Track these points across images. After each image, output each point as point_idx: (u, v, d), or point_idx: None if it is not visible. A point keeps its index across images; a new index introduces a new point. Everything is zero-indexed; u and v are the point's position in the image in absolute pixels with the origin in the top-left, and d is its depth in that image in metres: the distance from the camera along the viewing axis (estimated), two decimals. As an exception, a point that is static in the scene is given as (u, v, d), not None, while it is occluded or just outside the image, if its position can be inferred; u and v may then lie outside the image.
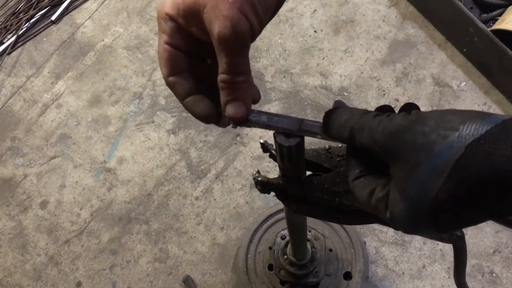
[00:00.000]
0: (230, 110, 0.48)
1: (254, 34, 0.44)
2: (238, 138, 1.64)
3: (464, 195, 0.36)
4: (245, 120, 0.48)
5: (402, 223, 0.40)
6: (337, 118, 0.45)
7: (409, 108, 0.45)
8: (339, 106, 0.49)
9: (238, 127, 0.51)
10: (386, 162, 0.41)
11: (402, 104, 1.78)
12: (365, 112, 0.43)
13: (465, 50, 1.67)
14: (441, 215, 0.37)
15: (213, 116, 0.50)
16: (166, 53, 0.49)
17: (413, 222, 0.39)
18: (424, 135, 0.37)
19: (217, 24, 0.42)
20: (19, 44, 1.95)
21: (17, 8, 2.02)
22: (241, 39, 0.42)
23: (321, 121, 0.49)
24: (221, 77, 0.46)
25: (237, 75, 0.46)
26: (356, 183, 0.44)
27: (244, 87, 0.47)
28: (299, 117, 0.50)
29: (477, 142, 0.35)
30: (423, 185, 0.37)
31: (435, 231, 0.39)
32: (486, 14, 1.67)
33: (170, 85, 0.51)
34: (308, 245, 1.15)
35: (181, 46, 0.49)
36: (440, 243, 1.41)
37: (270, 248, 1.27)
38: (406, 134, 0.38)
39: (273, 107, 1.68)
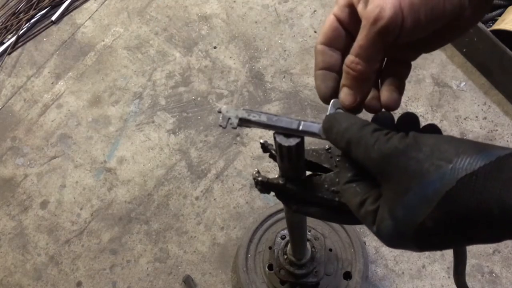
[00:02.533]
0: (340, 94, 0.48)
1: (403, 30, 0.42)
2: (238, 138, 1.64)
3: (449, 225, 0.37)
4: (354, 108, 0.48)
5: (387, 239, 0.41)
6: (336, 125, 0.45)
7: (408, 123, 0.46)
8: (336, 106, 0.50)
9: (238, 128, 0.51)
10: (376, 178, 0.42)
11: (401, 104, 1.78)
12: (364, 124, 0.43)
13: (464, 50, 1.67)
14: (425, 238, 0.38)
15: (329, 100, 0.50)
16: (329, 22, 0.49)
17: (397, 240, 0.40)
18: (417, 161, 0.38)
19: (371, 4, 0.42)
20: (20, 44, 1.95)
21: (17, 8, 2.02)
22: (385, 27, 0.41)
23: (321, 121, 0.49)
24: (348, 58, 0.45)
25: (362, 62, 0.44)
26: (347, 187, 0.45)
27: (361, 79, 0.46)
28: (299, 117, 0.50)
29: (469, 178, 0.35)
30: (411, 210, 0.38)
31: (417, 249, 0.40)
32: (486, 14, 1.68)
33: (315, 51, 0.50)
34: (308, 245, 1.15)
35: (344, 21, 0.48)
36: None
37: (270, 248, 1.27)
38: (400, 158, 0.39)
39: (273, 107, 1.69)
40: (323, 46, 0.49)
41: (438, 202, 0.36)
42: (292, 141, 0.49)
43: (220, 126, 0.51)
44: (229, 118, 0.50)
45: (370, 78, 0.46)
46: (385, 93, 0.49)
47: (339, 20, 0.48)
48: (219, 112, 0.51)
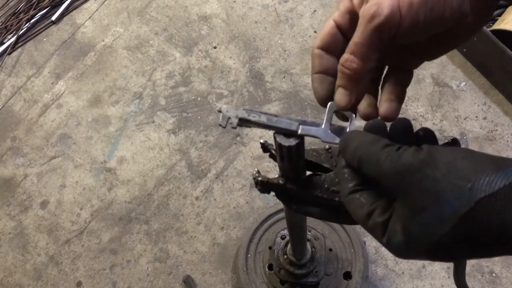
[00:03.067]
0: (336, 96, 0.47)
1: (400, 30, 0.41)
2: (238, 138, 1.64)
3: (466, 244, 0.36)
4: (349, 109, 0.47)
5: (398, 252, 0.40)
6: (349, 145, 0.44)
7: (423, 136, 0.45)
8: (332, 109, 0.49)
9: (237, 128, 0.51)
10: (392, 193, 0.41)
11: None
12: (375, 140, 0.42)
13: (464, 50, 1.67)
14: (438, 253, 0.38)
15: (326, 103, 0.49)
16: (328, 27, 0.48)
17: (408, 253, 0.40)
18: (434, 180, 0.36)
19: (370, 3, 0.41)
20: (20, 44, 1.95)
21: (17, 8, 2.02)
22: (382, 24, 0.41)
23: (321, 121, 0.50)
24: (343, 56, 0.45)
25: (357, 60, 0.43)
26: (351, 198, 0.44)
27: (356, 78, 0.45)
28: (299, 117, 0.50)
29: (488, 199, 0.34)
30: (426, 228, 0.37)
31: (428, 260, 0.40)
32: (485, 14, 1.67)
33: (312, 55, 0.49)
34: (308, 245, 1.15)
35: (344, 27, 0.48)
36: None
37: (270, 248, 1.27)
38: (415, 175, 0.37)
39: (273, 107, 1.69)
40: (320, 51, 0.49)
41: (455, 223, 0.35)
42: (292, 141, 0.49)
43: (220, 125, 0.51)
44: (229, 118, 0.50)
45: (365, 77, 0.46)
46: (384, 103, 0.49)
47: (338, 26, 0.48)
48: (219, 111, 0.51)
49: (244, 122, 0.50)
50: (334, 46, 0.49)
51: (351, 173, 0.44)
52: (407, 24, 0.41)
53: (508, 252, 0.36)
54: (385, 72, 0.51)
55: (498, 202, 0.34)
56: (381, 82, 0.51)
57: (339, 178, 0.46)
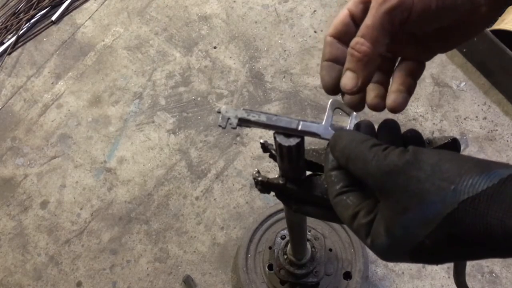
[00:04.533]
0: (342, 79, 0.46)
1: (412, 15, 0.41)
2: (238, 138, 1.64)
3: (448, 245, 0.36)
4: (354, 92, 0.46)
5: (381, 254, 0.40)
6: (338, 142, 0.45)
7: (411, 137, 0.46)
8: (334, 106, 0.49)
9: (237, 128, 0.51)
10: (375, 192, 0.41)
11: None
12: (363, 139, 0.42)
13: (464, 50, 1.67)
14: (421, 255, 0.38)
15: (332, 90, 0.49)
16: (342, 16, 0.48)
17: (392, 256, 0.40)
18: (418, 181, 0.37)
19: None
20: (20, 44, 1.95)
21: (17, 8, 2.02)
22: (394, 7, 0.41)
23: (321, 121, 0.49)
24: (353, 40, 0.44)
25: (367, 42, 0.43)
26: (338, 200, 0.44)
27: (365, 61, 0.44)
28: (299, 117, 0.50)
29: (471, 201, 0.35)
30: (409, 229, 0.37)
31: (411, 262, 0.40)
32: (485, 14, 1.67)
33: (325, 42, 0.49)
34: (308, 245, 1.15)
35: (357, 17, 0.47)
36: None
37: (270, 248, 1.27)
38: (399, 176, 0.38)
39: (273, 107, 1.69)
40: (332, 39, 0.48)
41: (439, 224, 0.36)
42: (292, 141, 0.49)
43: (220, 126, 0.50)
44: (229, 118, 0.50)
45: (374, 61, 0.45)
46: (392, 94, 0.48)
47: (352, 15, 0.48)
48: (219, 112, 0.51)
49: (243, 122, 0.50)
50: (346, 35, 0.48)
51: (338, 175, 0.45)
52: (418, 9, 0.41)
53: (491, 255, 0.36)
54: (397, 63, 0.50)
55: (481, 204, 0.34)
56: (392, 74, 0.51)
57: (327, 181, 0.46)
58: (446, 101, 1.63)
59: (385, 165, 0.39)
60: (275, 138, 0.50)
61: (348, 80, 0.45)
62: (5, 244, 1.55)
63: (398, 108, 0.48)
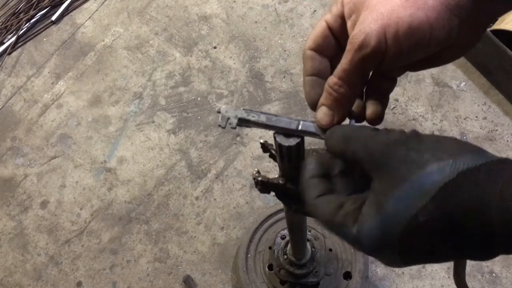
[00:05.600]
0: (318, 113, 0.48)
1: (385, 59, 0.43)
2: (238, 138, 1.64)
3: (443, 221, 0.35)
4: (327, 129, 0.48)
5: (368, 242, 0.38)
6: (337, 130, 0.45)
7: None
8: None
9: (237, 128, 0.51)
10: (369, 176, 0.40)
11: (401, 104, 1.78)
12: (363, 127, 0.43)
13: (465, 50, 1.67)
14: (411, 242, 0.36)
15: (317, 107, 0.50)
16: (320, 28, 0.49)
17: (380, 243, 0.37)
18: (418, 152, 0.37)
19: (358, 28, 0.42)
20: (20, 44, 1.95)
21: (17, 8, 2.02)
22: (369, 55, 0.42)
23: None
24: (330, 79, 0.46)
25: (345, 85, 0.45)
26: (320, 200, 0.43)
27: (342, 101, 0.46)
28: (299, 117, 0.50)
29: (471, 171, 0.34)
30: (404, 202, 0.36)
31: (399, 258, 0.38)
32: (486, 14, 1.67)
33: (304, 56, 0.50)
34: (308, 245, 1.15)
35: (336, 30, 0.48)
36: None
37: (270, 248, 1.27)
38: (400, 147, 0.38)
39: (273, 107, 1.69)
40: (312, 52, 0.49)
41: (435, 195, 0.34)
42: (292, 141, 0.49)
43: (220, 126, 0.51)
44: (228, 118, 0.51)
45: (350, 101, 0.47)
46: (370, 106, 0.49)
47: (330, 28, 0.48)
48: (218, 112, 0.51)
49: (243, 122, 0.51)
50: (326, 48, 0.49)
51: (319, 182, 0.45)
52: (391, 54, 0.42)
53: (488, 244, 0.35)
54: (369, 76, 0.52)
55: (480, 175, 0.34)
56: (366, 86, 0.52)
57: (304, 187, 0.45)
58: (446, 101, 1.63)
59: (385, 138, 0.39)
60: (275, 138, 0.50)
61: (324, 116, 0.47)
62: (5, 244, 1.55)
63: (377, 120, 0.49)
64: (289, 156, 0.51)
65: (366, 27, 0.42)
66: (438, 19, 0.41)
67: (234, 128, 0.51)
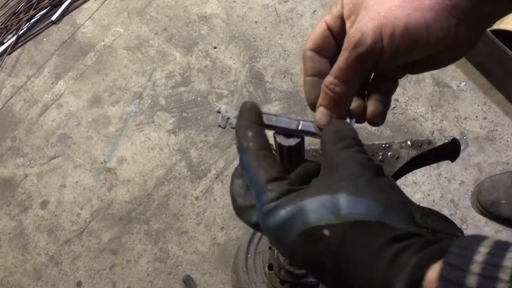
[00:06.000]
0: (316, 113, 0.48)
1: (381, 58, 0.43)
2: (238, 138, 1.64)
3: (336, 247, 0.37)
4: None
5: (276, 221, 0.40)
6: (330, 127, 0.46)
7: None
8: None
9: None
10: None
11: (401, 104, 1.77)
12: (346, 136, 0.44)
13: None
14: (302, 248, 0.38)
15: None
16: (320, 29, 0.49)
17: (286, 227, 0.40)
18: (367, 180, 0.39)
19: (355, 27, 0.43)
20: (20, 44, 1.95)
21: (17, 8, 2.02)
22: (364, 53, 0.42)
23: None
24: (327, 78, 0.46)
25: (341, 84, 0.45)
26: (263, 169, 0.44)
27: (339, 101, 0.46)
28: (299, 117, 0.50)
29: (379, 224, 0.37)
30: (320, 209, 0.38)
31: (288, 256, 0.40)
32: (486, 14, 1.67)
33: (304, 57, 0.50)
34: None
35: (335, 31, 0.48)
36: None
37: (270, 247, 1.27)
38: (352, 167, 0.39)
39: (273, 107, 1.69)
40: (312, 52, 0.49)
41: (344, 223, 0.37)
42: (292, 141, 0.49)
43: (220, 126, 0.51)
44: (228, 118, 0.51)
45: (347, 100, 0.47)
46: (371, 106, 0.49)
47: (330, 29, 0.48)
48: (218, 112, 0.51)
49: None
50: (326, 49, 0.49)
51: (273, 159, 0.45)
52: (388, 54, 0.42)
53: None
54: (371, 78, 0.51)
55: (384, 243, 0.36)
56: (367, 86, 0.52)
57: (258, 162, 0.45)
58: (446, 101, 1.63)
59: (359, 157, 0.40)
60: (275, 138, 0.50)
61: (322, 116, 0.47)
62: (5, 244, 1.55)
63: (379, 120, 0.50)
64: (289, 156, 0.51)
65: (362, 26, 0.42)
66: (436, 19, 0.41)
67: (234, 128, 0.51)
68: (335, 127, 0.44)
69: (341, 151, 0.41)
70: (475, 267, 0.30)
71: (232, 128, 0.50)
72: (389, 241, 0.35)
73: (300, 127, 0.49)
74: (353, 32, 0.42)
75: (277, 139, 0.50)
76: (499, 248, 0.31)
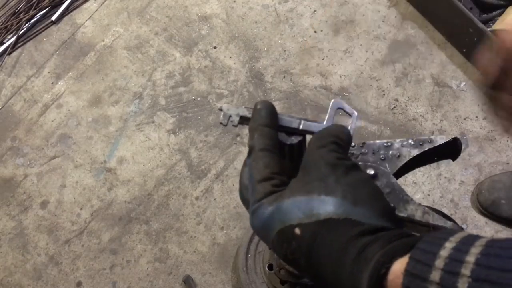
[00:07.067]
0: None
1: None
2: (238, 138, 1.64)
3: (307, 247, 0.39)
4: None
5: (254, 225, 0.43)
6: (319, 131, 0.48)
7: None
8: (336, 106, 0.50)
9: (238, 126, 0.52)
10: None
11: (401, 104, 1.77)
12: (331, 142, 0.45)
13: (464, 50, 1.67)
14: (279, 244, 0.40)
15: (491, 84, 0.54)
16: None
17: (261, 231, 0.42)
18: (336, 181, 0.40)
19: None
20: (20, 44, 1.95)
21: (17, 8, 2.02)
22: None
23: (321, 121, 0.50)
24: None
25: None
26: (260, 164, 0.45)
27: None
28: (301, 116, 0.51)
29: (354, 223, 0.38)
30: (294, 209, 0.40)
31: (273, 251, 0.43)
32: (486, 15, 1.68)
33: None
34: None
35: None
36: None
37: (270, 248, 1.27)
38: (328, 167, 0.41)
39: (273, 107, 1.69)
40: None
41: (316, 222, 0.38)
42: (294, 140, 0.50)
43: (221, 123, 0.51)
44: (230, 116, 0.51)
45: None
46: None
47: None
48: (220, 110, 0.52)
49: (245, 120, 0.51)
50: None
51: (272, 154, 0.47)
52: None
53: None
54: None
55: (362, 233, 0.37)
56: None
57: (254, 166, 0.46)
58: (446, 101, 1.63)
59: (329, 157, 0.42)
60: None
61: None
62: (5, 244, 1.55)
63: None
64: (291, 154, 0.51)
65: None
66: None
67: (236, 126, 0.51)
68: (323, 130, 0.46)
69: (314, 151, 0.43)
70: (439, 263, 0.30)
71: (233, 125, 0.51)
72: (355, 237, 0.36)
73: (301, 126, 0.50)
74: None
75: (279, 137, 0.50)
76: (465, 243, 0.31)
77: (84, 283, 1.47)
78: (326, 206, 0.38)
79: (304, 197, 0.40)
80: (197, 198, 1.56)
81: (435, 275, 0.30)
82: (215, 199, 1.55)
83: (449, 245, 0.31)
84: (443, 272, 0.30)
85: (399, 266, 0.33)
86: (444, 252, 0.31)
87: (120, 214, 1.56)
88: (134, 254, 1.49)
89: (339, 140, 0.44)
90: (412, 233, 0.36)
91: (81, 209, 1.58)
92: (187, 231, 1.51)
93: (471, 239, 0.31)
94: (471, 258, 0.29)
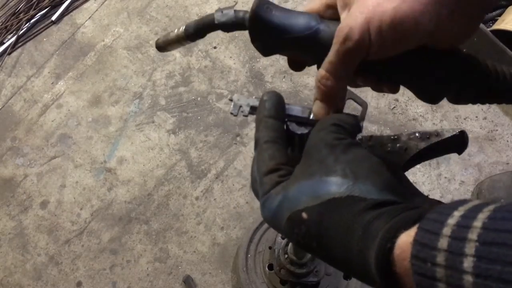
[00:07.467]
0: (314, 107, 0.50)
1: (370, 52, 0.43)
2: (238, 138, 1.64)
3: (316, 227, 0.39)
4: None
5: (265, 215, 0.43)
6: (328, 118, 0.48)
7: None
8: (348, 97, 0.51)
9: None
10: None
11: (401, 104, 1.78)
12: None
13: (464, 50, 1.67)
14: (291, 230, 0.41)
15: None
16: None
17: (272, 220, 0.42)
18: (335, 160, 0.41)
19: (345, 21, 0.43)
20: (20, 44, 1.95)
21: (17, 8, 2.02)
22: (352, 48, 0.43)
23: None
24: (318, 72, 0.47)
25: (332, 77, 0.46)
26: (267, 155, 0.46)
27: (331, 94, 0.47)
28: (311, 106, 0.51)
29: (359, 199, 0.38)
30: (299, 195, 0.40)
31: (288, 237, 0.43)
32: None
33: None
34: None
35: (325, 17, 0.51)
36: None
37: (270, 247, 1.27)
38: (327, 148, 0.41)
39: (273, 107, 1.69)
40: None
41: (323, 202, 0.38)
42: (304, 129, 0.50)
43: (232, 114, 0.52)
44: (241, 106, 0.51)
45: (340, 93, 0.48)
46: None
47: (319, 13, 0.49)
48: (231, 100, 0.52)
49: (255, 111, 0.51)
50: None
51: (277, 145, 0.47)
52: (376, 47, 0.43)
53: (344, 269, 0.39)
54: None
55: (366, 209, 0.37)
56: None
57: (260, 155, 0.47)
58: (446, 101, 1.63)
59: (331, 136, 0.42)
60: (287, 126, 0.51)
61: (319, 109, 0.49)
62: (5, 244, 1.55)
63: None
64: (300, 145, 0.51)
65: (352, 20, 0.42)
66: (424, 11, 0.41)
67: (246, 116, 0.51)
68: (326, 116, 0.46)
69: (315, 134, 0.43)
70: (447, 230, 0.31)
71: (244, 116, 0.51)
72: (359, 213, 0.36)
73: (312, 116, 0.50)
74: (342, 26, 0.43)
75: (290, 127, 0.50)
76: (474, 210, 0.31)
77: (84, 283, 1.47)
78: (328, 186, 0.39)
79: (307, 181, 0.40)
80: (197, 198, 1.56)
81: (443, 243, 0.30)
82: (215, 199, 1.55)
83: (457, 213, 0.31)
84: (450, 239, 0.30)
85: (405, 238, 0.33)
86: (452, 220, 0.31)
87: (120, 214, 1.56)
88: (134, 254, 1.49)
89: (340, 122, 0.44)
90: (416, 206, 0.36)
91: (81, 209, 1.58)
92: (187, 231, 1.51)
93: (480, 206, 0.31)
94: (478, 223, 0.30)
